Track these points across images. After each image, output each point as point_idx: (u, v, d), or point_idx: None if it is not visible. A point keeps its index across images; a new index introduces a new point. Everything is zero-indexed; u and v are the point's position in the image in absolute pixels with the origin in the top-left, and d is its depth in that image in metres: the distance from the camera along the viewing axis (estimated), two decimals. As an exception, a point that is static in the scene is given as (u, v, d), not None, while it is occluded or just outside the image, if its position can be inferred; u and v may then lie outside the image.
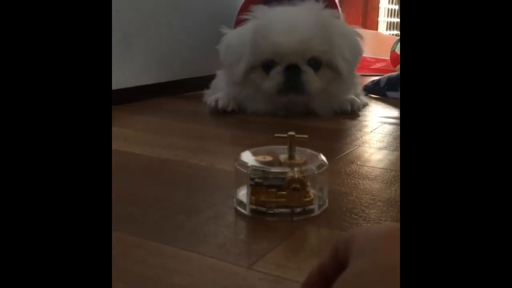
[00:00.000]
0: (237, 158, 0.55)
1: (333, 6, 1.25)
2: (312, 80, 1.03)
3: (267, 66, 1.04)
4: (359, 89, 1.25)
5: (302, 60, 1.02)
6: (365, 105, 1.19)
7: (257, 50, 1.03)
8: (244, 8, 1.22)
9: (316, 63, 1.04)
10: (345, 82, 1.09)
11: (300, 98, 1.05)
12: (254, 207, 0.52)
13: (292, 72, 1.02)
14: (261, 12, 1.08)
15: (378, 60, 1.89)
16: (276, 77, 1.03)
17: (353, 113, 1.10)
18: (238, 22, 1.19)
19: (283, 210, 0.52)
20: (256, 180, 0.52)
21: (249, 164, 0.52)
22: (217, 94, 1.13)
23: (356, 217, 0.53)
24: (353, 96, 1.13)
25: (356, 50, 1.10)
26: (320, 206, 0.53)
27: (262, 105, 1.08)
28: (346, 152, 0.79)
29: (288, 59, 1.02)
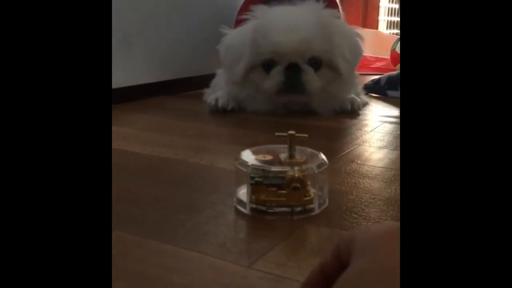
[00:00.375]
0: (237, 157, 0.55)
1: (334, 5, 1.25)
2: (312, 79, 1.03)
3: (267, 65, 1.04)
4: (360, 88, 1.25)
5: (302, 59, 1.02)
6: (365, 104, 1.19)
7: (257, 50, 1.03)
8: (244, 8, 1.22)
9: (316, 63, 1.04)
10: (345, 82, 1.09)
11: (300, 98, 1.05)
12: (254, 206, 0.52)
13: (292, 72, 1.02)
14: (261, 12, 1.08)
15: (379, 59, 1.89)
16: (276, 76, 1.03)
17: (353, 112, 1.10)
18: (238, 22, 1.19)
19: (283, 209, 0.52)
20: (256, 179, 0.52)
21: (249, 163, 0.52)
22: (217, 93, 1.13)
23: (356, 216, 0.53)
24: (353, 95, 1.13)
25: (356, 50, 1.10)
26: (320, 205, 0.53)
27: (262, 105, 1.08)
28: (346, 151, 0.79)
29: (288, 58, 1.02)
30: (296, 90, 1.03)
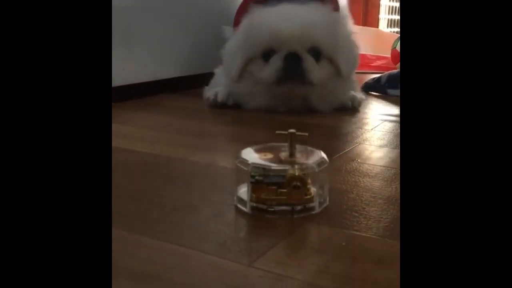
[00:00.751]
0: (237, 156, 0.54)
1: (336, 9, 1.24)
2: (312, 68, 1.01)
3: (267, 55, 1.03)
4: (358, 86, 1.25)
5: (302, 48, 1.01)
6: (363, 100, 1.19)
7: (256, 39, 1.03)
8: (243, 7, 1.22)
9: (316, 54, 1.03)
10: (344, 81, 1.09)
11: (299, 88, 1.03)
12: (254, 204, 0.52)
13: (292, 60, 1.00)
14: (258, 10, 1.09)
15: (379, 58, 1.89)
16: (275, 64, 1.01)
17: (353, 109, 1.10)
18: (237, 23, 1.19)
19: (284, 207, 0.52)
20: (257, 177, 0.52)
21: (250, 162, 0.52)
22: (217, 88, 1.13)
23: (356, 215, 0.52)
24: (353, 93, 1.13)
25: (354, 59, 1.11)
26: (320, 203, 0.53)
27: (261, 99, 1.07)
28: (347, 150, 0.79)
29: (288, 46, 1.00)
30: (295, 79, 1.01)
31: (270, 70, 1.02)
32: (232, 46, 1.09)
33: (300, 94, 1.05)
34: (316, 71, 1.02)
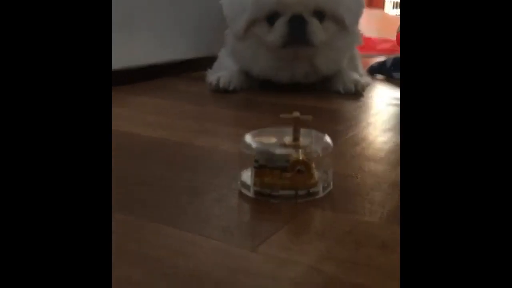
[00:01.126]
0: (241, 140, 0.54)
1: None
2: (317, 30, 1.02)
3: (271, 18, 1.04)
4: (361, 69, 1.24)
5: (306, 10, 1.02)
6: (368, 85, 1.18)
7: (262, 2, 1.03)
8: None
9: (320, 15, 1.04)
10: (349, 35, 1.10)
11: (304, 50, 1.04)
12: (258, 189, 0.52)
13: (297, 23, 1.01)
14: None
15: (384, 41, 1.87)
16: (280, 28, 1.02)
17: (357, 93, 1.09)
18: None
19: (287, 192, 0.51)
20: (260, 162, 0.51)
21: (253, 146, 0.52)
22: (219, 72, 1.12)
23: (360, 199, 0.52)
24: (356, 76, 1.12)
25: (359, 2, 1.12)
26: (324, 188, 0.53)
27: (265, 62, 1.08)
28: (351, 134, 0.78)
29: (293, 9, 1.01)
30: (300, 42, 1.03)
31: (275, 34, 1.03)
32: (237, 2, 1.08)
33: (304, 56, 1.06)
34: (320, 33, 1.03)
